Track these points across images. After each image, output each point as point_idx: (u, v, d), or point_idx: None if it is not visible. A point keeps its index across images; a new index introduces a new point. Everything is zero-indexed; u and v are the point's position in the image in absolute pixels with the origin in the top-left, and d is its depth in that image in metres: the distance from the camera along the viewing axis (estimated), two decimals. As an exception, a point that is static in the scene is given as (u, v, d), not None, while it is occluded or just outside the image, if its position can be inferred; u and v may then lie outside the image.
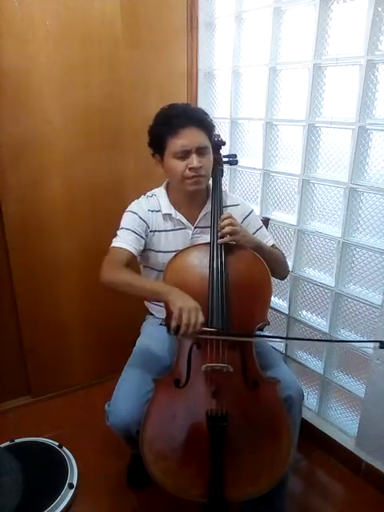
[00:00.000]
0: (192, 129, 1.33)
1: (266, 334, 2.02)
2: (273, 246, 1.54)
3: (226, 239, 1.31)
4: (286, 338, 2.01)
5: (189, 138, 1.32)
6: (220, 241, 1.31)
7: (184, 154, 1.33)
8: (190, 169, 1.34)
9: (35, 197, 1.85)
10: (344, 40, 1.48)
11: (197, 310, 1.17)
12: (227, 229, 1.30)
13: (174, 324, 1.16)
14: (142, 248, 1.44)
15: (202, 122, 1.37)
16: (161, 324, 1.23)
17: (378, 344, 1.23)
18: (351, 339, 1.70)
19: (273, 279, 1.39)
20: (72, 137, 1.85)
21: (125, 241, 1.40)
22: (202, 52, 2.02)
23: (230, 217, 1.33)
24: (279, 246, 1.68)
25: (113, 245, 1.41)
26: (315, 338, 1.82)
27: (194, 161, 1.33)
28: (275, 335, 1.99)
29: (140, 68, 1.92)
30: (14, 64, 1.66)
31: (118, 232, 1.44)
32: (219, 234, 1.32)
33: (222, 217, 1.33)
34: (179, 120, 1.33)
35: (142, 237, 1.43)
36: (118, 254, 1.39)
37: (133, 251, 1.39)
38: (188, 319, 1.15)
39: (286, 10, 1.64)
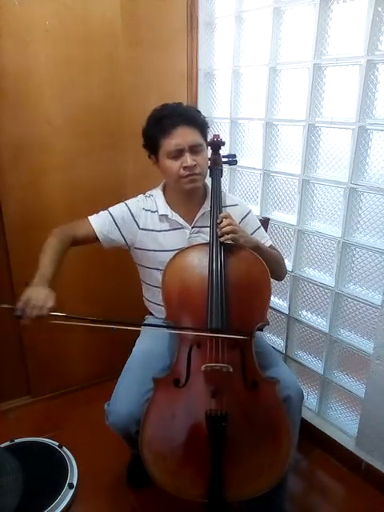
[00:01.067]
0: (183, 127, 1.33)
1: (267, 334, 2.03)
2: (271, 246, 1.54)
3: (225, 237, 1.30)
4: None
5: (181, 137, 1.33)
6: (221, 239, 1.30)
7: (178, 153, 1.34)
8: (185, 168, 1.34)
9: (35, 197, 1.85)
10: (344, 40, 1.48)
11: (47, 296, 1.19)
12: (226, 228, 1.29)
13: (19, 305, 1.17)
14: (112, 237, 1.46)
15: (194, 119, 1.36)
16: (3, 306, 1.19)
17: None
18: (350, 340, 1.69)
19: (272, 279, 1.39)
20: (72, 137, 1.85)
21: (97, 220, 1.46)
22: (202, 52, 2.02)
23: (228, 216, 1.33)
24: (277, 247, 1.69)
25: (88, 216, 1.47)
26: (315, 337, 1.83)
27: (188, 159, 1.33)
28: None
29: (140, 68, 1.92)
30: (14, 64, 1.66)
31: (102, 211, 1.48)
32: (219, 232, 1.31)
33: (220, 216, 1.33)
34: (170, 120, 1.33)
35: (118, 227, 1.45)
36: (81, 225, 1.46)
37: (97, 233, 1.44)
38: (36, 301, 1.16)
39: (285, 9, 1.64)
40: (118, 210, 1.48)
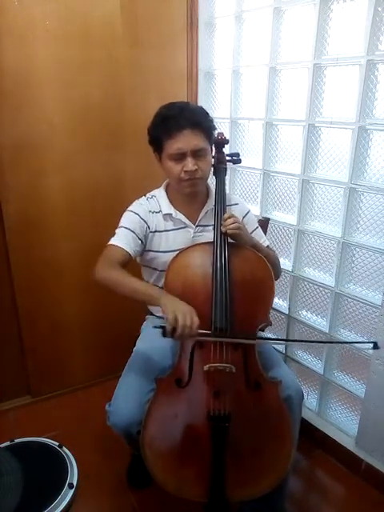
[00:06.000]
0: (188, 131, 1.31)
1: (267, 334, 2.03)
2: (267, 246, 1.55)
3: (230, 232, 1.30)
4: (287, 340, 2.00)
5: (184, 141, 1.31)
6: (226, 230, 1.30)
7: (180, 157, 1.33)
8: (186, 172, 1.33)
9: (35, 197, 1.85)
10: (344, 40, 1.48)
11: (191, 312, 1.18)
12: (232, 225, 1.30)
13: (169, 327, 1.15)
14: (138, 248, 1.43)
15: (199, 123, 1.33)
16: (154, 327, 1.20)
17: (372, 345, 1.23)
18: (351, 340, 1.69)
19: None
20: (72, 137, 1.85)
21: (122, 240, 1.40)
22: (201, 52, 2.02)
23: (233, 215, 1.34)
24: (276, 247, 1.68)
25: (110, 242, 1.41)
26: (315, 337, 1.83)
27: (189, 164, 1.32)
28: (276, 337, 2.00)
29: (140, 68, 1.92)
30: (13, 64, 1.66)
31: (117, 230, 1.43)
32: (223, 230, 1.31)
33: (225, 216, 1.33)
34: (176, 122, 1.30)
35: (139, 238, 1.43)
36: (115, 252, 1.39)
37: (129, 251, 1.39)
38: (184, 321, 1.14)
39: (286, 10, 1.64)
40: (129, 220, 1.44)
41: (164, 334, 1.17)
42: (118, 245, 1.39)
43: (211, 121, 1.41)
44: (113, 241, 1.41)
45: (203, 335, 1.20)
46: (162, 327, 1.17)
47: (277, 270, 1.54)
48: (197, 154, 1.33)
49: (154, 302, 1.25)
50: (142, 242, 1.44)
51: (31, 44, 1.67)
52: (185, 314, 1.15)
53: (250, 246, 1.38)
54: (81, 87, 1.81)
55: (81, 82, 1.80)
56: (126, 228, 1.43)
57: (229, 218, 1.32)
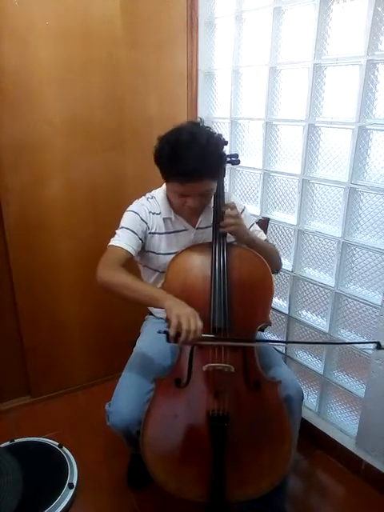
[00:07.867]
0: (197, 182, 1.26)
1: (267, 334, 2.03)
2: (265, 240, 1.56)
3: (228, 229, 1.31)
4: (287, 342, 2.00)
5: (191, 188, 1.28)
6: (222, 230, 1.31)
7: (184, 195, 1.32)
8: (188, 206, 1.34)
9: (35, 197, 1.85)
10: (344, 40, 1.48)
11: (194, 316, 1.16)
12: (231, 220, 1.31)
13: (172, 332, 1.13)
14: (139, 248, 1.43)
15: (210, 173, 1.27)
16: (159, 332, 1.18)
17: (374, 345, 1.21)
18: (351, 340, 1.69)
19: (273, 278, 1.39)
20: (72, 137, 1.85)
21: (123, 240, 1.39)
22: (201, 52, 2.02)
23: (234, 206, 1.34)
24: (274, 244, 1.69)
25: (111, 243, 1.40)
26: (314, 338, 1.83)
27: (192, 202, 1.31)
28: (276, 339, 2.00)
29: (140, 68, 1.92)
30: (14, 64, 1.66)
31: (118, 231, 1.43)
32: (222, 223, 1.32)
33: (226, 206, 1.34)
34: (185, 166, 1.22)
35: (140, 237, 1.42)
36: (116, 253, 1.37)
37: (130, 251, 1.38)
38: (188, 326, 1.12)
39: (286, 9, 1.64)
40: (130, 220, 1.43)
41: (168, 340, 1.15)
42: (119, 245, 1.38)
43: (224, 161, 1.37)
44: (113, 241, 1.40)
45: (206, 339, 1.19)
46: (167, 332, 1.15)
47: (277, 263, 1.54)
48: (203, 194, 1.32)
49: (158, 304, 1.23)
50: (142, 241, 1.44)
51: (31, 44, 1.67)
52: (189, 319, 1.13)
53: (248, 239, 1.39)
54: (81, 87, 1.81)
55: (81, 82, 1.80)
56: (126, 228, 1.42)
57: (230, 209, 1.33)
